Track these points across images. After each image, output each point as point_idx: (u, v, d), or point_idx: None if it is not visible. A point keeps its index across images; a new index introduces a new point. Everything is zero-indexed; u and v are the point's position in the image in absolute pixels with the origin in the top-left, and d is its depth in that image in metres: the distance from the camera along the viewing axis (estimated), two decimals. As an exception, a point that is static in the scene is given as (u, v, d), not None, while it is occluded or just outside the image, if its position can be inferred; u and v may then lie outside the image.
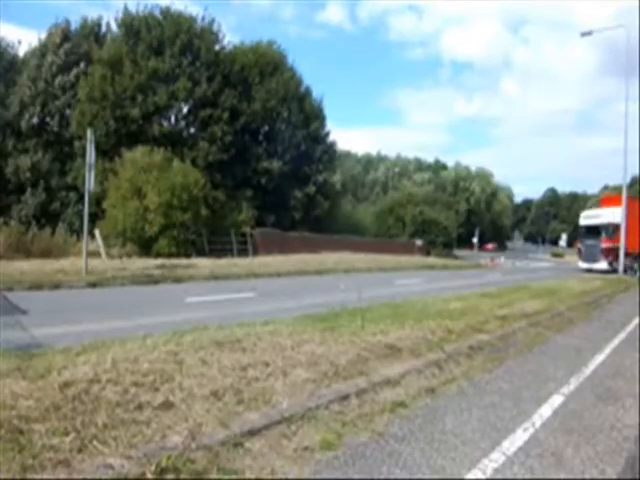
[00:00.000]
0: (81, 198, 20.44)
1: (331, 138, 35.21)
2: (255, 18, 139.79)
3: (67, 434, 2.58)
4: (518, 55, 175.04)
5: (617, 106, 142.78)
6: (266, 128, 30.99)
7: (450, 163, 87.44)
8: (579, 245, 30.26)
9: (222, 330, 5.41)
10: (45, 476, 2.22)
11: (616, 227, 26.03)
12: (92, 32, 30.37)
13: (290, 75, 31.57)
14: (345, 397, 3.67)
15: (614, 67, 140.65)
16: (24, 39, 56.55)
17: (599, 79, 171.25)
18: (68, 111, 27.57)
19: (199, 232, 22.70)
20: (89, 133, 12.87)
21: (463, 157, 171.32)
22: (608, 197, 34.70)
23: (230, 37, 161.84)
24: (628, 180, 29.20)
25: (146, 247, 20.71)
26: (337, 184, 43.08)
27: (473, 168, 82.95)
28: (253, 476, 2.50)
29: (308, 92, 33.35)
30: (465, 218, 65.84)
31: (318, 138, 33.07)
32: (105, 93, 25.34)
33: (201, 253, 21.79)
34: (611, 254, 26.29)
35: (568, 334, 7.42)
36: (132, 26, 27.24)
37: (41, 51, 28.53)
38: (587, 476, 2.82)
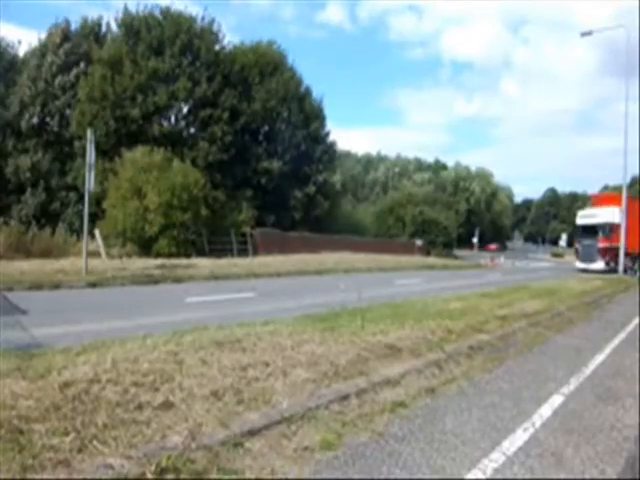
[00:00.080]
0: (81, 198, 20.44)
1: (331, 138, 35.31)
2: (255, 18, 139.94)
3: (67, 434, 2.58)
4: (518, 55, 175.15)
5: (617, 106, 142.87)
6: (266, 128, 31.00)
7: (450, 163, 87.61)
8: (576, 245, 30.01)
9: (222, 330, 5.41)
10: (45, 476, 2.22)
11: (613, 226, 25.94)
12: (92, 32, 30.37)
13: (290, 75, 31.58)
14: (345, 397, 3.67)
15: (614, 67, 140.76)
16: (24, 39, 56.67)
17: (599, 79, 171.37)
18: (68, 111, 27.58)
19: (199, 232, 22.71)
20: (89, 133, 12.88)
21: (463, 157, 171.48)
22: (600, 196, 34.22)
23: (230, 37, 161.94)
24: (628, 180, 29.13)
25: (146, 247, 20.72)
26: (337, 184, 43.10)
27: (473, 168, 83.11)
28: (253, 476, 2.50)
29: (308, 92, 33.36)
30: (465, 218, 65.86)
31: (318, 138, 33.08)
32: (105, 93, 25.35)
33: (201, 253, 21.79)
34: (608, 254, 26.13)
35: (568, 334, 7.42)
36: (132, 26, 27.24)
37: (41, 51, 28.54)
38: (587, 476, 2.82)
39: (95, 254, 15.84)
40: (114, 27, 29.18)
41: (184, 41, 26.88)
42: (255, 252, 24.50)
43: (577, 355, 6.03)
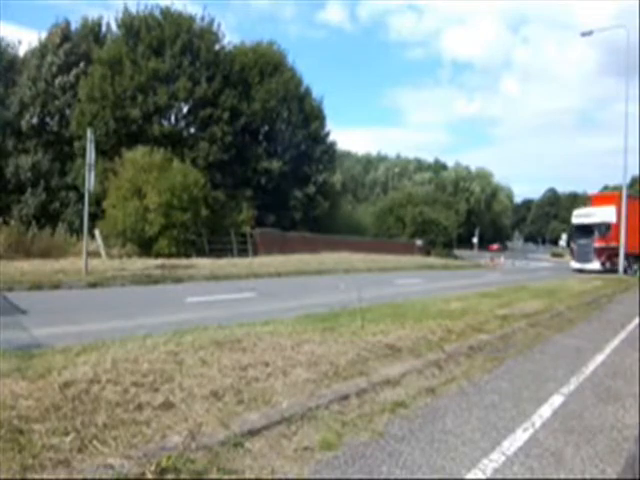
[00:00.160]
0: (81, 198, 20.47)
1: (331, 138, 35.28)
2: (255, 18, 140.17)
3: (67, 434, 2.59)
4: (518, 55, 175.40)
5: (617, 106, 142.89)
6: (266, 128, 30.99)
7: (450, 163, 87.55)
8: (572, 244, 29.29)
9: (222, 330, 5.41)
10: (45, 476, 2.22)
11: (609, 226, 25.80)
12: (92, 32, 30.35)
13: (290, 75, 31.57)
14: (345, 397, 3.67)
15: (614, 67, 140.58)
16: (24, 39, 56.44)
17: (599, 79, 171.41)
18: (68, 111, 27.57)
19: (199, 232, 22.71)
20: (89, 133, 12.88)
21: (463, 157, 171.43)
22: (598, 196, 33.94)
23: (230, 37, 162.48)
24: (628, 180, 29.02)
25: (146, 247, 20.71)
26: (337, 184, 43.06)
27: (473, 168, 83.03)
28: (253, 476, 2.50)
29: (308, 92, 33.35)
30: (465, 218, 65.76)
31: (318, 138, 33.07)
32: (105, 93, 25.34)
33: (201, 253, 21.79)
34: (604, 254, 25.95)
35: (568, 334, 7.42)
36: (132, 26, 27.24)
37: (41, 51, 28.51)
38: (587, 476, 2.82)
39: (95, 254, 15.86)
40: (114, 27, 29.20)
41: (184, 41, 26.87)
42: (255, 252, 24.51)
43: (577, 355, 6.02)
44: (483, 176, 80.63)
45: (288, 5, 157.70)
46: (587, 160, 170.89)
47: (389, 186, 68.65)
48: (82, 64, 27.80)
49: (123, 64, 25.90)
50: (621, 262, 23.33)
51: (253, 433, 2.92)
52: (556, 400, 4.17)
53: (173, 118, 28.61)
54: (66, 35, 28.80)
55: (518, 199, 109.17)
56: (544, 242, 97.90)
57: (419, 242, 38.52)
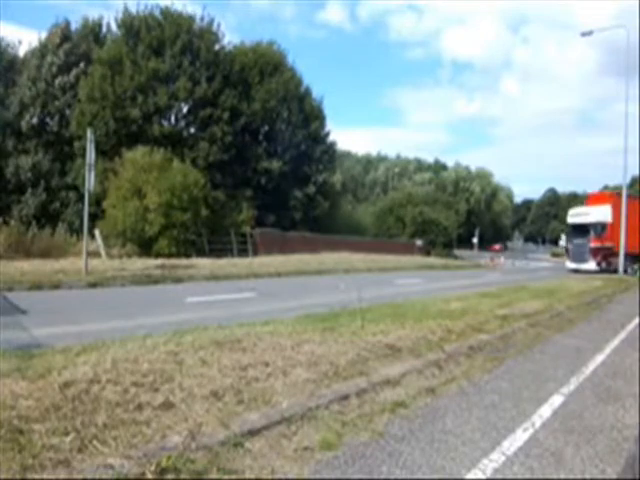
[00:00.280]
0: (81, 198, 20.46)
1: (331, 138, 35.28)
2: (255, 18, 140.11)
3: (67, 434, 2.59)
4: (518, 55, 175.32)
5: (617, 106, 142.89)
6: (266, 128, 30.99)
7: (450, 163, 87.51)
8: (567, 244, 28.79)
9: (222, 330, 5.41)
10: (45, 476, 2.22)
11: (605, 226, 25.71)
12: (92, 32, 30.35)
13: (290, 75, 31.57)
14: (345, 397, 3.67)
15: (614, 67, 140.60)
16: (24, 39, 56.40)
17: (599, 79, 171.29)
18: (68, 111, 27.56)
19: (199, 232, 22.71)
20: (89, 133, 12.88)
21: (463, 157, 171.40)
22: (595, 195, 33.81)
23: (230, 37, 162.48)
24: (628, 180, 28.96)
25: (146, 247, 20.71)
26: (337, 184, 43.05)
27: (473, 168, 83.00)
28: (253, 476, 2.50)
29: (308, 92, 33.34)
30: (465, 218, 65.74)
31: (318, 138, 33.07)
32: (105, 93, 25.34)
33: (201, 253, 21.79)
34: (600, 254, 25.81)
35: (568, 334, 7.42)
36: (132, 26, 27.23)
37: (41, 51, 28.50)
38: (587, 476, 2.82)
39: (95, 254, 15.86)
40: (114, 27, 29.20)
41: (184, 41, 26.87)
42: (255, 252, 24.51)
43: (577, 355, 6.02)
44: (483, 176, 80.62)
45: (288, 5, 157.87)
46: (587, 160, 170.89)
47: (389, 186, 68.65)
48: (82, 64, 27.80)
49: (123, 64, 25.90)
50: (621, 262, 23.32)
51: (253, 433, 2.92)
52: (556, 400, 4.17)
53: (173, 118, 28.61)
54: (66, 35, 28.80)
55: (518, 199, 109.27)
56: (544, 242, 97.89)
57: (419, 242, 38.52)
